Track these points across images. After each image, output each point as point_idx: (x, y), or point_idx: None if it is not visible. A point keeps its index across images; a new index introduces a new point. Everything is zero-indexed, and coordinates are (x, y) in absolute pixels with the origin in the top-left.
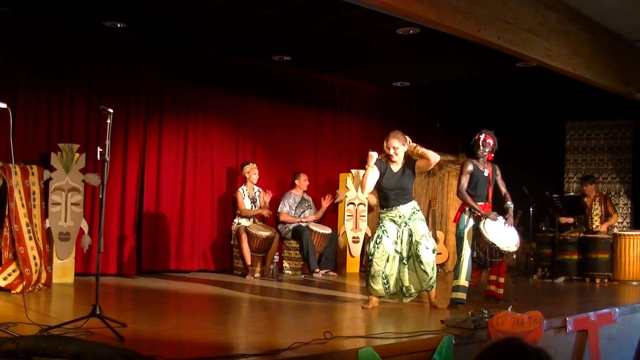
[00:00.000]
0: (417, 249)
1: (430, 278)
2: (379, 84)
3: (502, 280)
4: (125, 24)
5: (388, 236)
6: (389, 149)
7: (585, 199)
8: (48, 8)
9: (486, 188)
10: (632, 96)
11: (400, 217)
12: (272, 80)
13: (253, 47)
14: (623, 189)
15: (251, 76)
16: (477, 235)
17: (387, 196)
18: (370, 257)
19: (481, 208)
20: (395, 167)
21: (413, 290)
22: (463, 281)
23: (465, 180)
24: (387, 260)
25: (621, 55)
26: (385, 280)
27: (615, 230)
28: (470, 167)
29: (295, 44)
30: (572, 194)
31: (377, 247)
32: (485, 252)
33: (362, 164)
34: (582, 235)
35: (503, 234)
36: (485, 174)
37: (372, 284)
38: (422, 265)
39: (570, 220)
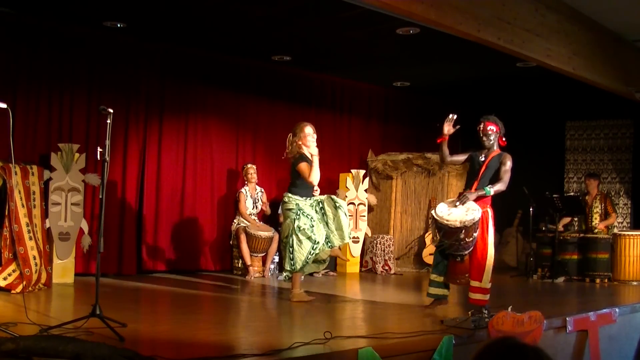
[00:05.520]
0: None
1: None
2: (379, 84)
3: (477, 284)
4: (125, 24)
5: None
6: (310, 135)
7: (587, 197)
8: (48, 8)
9: (474, 177)
10: (632, 96)
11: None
12: (272, 80)
13: (253, 47)
14: (623, 189)
15: (251, 76)
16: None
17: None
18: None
19: None
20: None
21: None
22: (432, 275)
23: (457, 156)
24: None
25: (621, 55)
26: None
27: (615, 230)
28: (471, 152)
29: (295, 44)
30: (572, 194)
31: None
32: (438, 230)
33: (362, 164)
34: (582, 235)
35: (454, 211)
36: (481, 160)
37: None
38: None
39: (568, 219)
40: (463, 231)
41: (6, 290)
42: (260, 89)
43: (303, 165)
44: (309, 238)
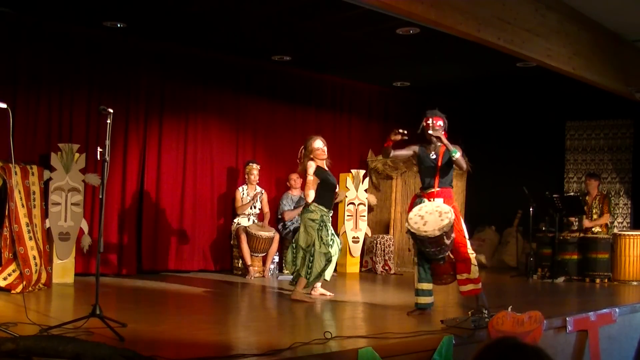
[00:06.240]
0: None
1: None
2: (379, 84)
3: (466, 276)
4: (125, 24)
5: None
6: (320, 149)
7: (587, 197)
8: (48, 8)
9: (432, 174)
10: (632, 96)
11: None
12: (272, 80)
13: (253, 47)
14: (623, 189)
15: (251, 76)
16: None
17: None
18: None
19: (428, 197)
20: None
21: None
22: (417, 284)
23: (400, 151)
24: None
25: (621, 55)
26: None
27: (615, 230)
28: (415, 147)
29: (295, 44)
30: (572, 194)
31: None
32: (416, 241)
33: (362, 164)
34: (582, 235)
35: (428, 219)
36: (432, 157)
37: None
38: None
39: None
40: (445, 236)
41: (6, 290)
42: (260, 89)
43: (308, 179)
44: (325, 253)
